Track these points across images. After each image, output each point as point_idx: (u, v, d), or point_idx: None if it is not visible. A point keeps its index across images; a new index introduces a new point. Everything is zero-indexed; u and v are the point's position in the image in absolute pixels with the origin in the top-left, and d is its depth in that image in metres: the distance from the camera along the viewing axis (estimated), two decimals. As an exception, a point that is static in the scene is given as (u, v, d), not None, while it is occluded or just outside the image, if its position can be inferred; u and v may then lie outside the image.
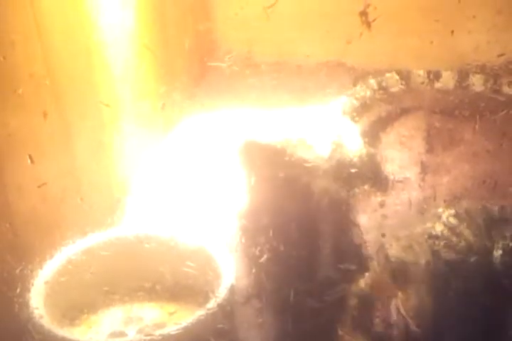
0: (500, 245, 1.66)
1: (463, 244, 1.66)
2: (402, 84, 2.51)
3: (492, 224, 1.70)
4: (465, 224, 1.69)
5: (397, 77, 2.51)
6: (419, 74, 2.53)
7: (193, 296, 1.80)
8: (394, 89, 2.51)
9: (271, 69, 2.78)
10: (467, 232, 1.67)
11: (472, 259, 1.65)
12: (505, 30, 2.53)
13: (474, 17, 2.53)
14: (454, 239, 1.68)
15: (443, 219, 1.70)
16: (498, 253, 1.65)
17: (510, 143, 2.18)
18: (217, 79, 2.68)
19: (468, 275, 1.64)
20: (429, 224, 1.73)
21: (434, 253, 1.67)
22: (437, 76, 2.52)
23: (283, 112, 2.41)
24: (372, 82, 2.50)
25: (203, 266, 1.76)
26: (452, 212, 1.72)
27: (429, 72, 2.52)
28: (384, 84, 2.50)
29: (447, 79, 2.52)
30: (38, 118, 1.78)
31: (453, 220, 1.70)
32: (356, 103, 2.42)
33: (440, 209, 1.74)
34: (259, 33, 2.70)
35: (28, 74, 1.74)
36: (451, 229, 1.68)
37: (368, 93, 2.47)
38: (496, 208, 1.74)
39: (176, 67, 2.56)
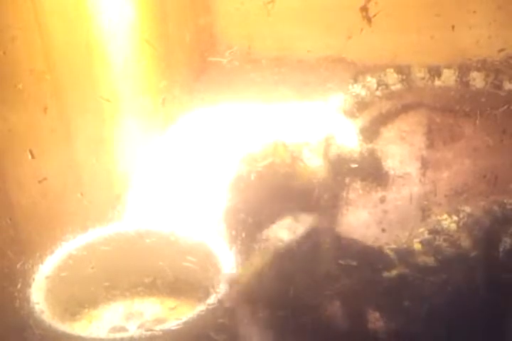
0: (501, 242, 1.66)
1: (464, 241, 1.67)
2: (402, 80, 2.51)
3: (494, 223, 1.71)
4: (466, 232, 1.70)
5: (397, 75, 2.51)
6: (420, 70, 2.53)
7: (194, 291, 1.80)
8: (394, 87, 2.51)
9: (271, 64, 2.78)
10: (468, 242, 1.68)
11: (472, 254, 1.66)
12: (505, 25, 2.53)
13: (475, 12, 2.52)
14: (456, 235, 1.68)
15: (445, 226, 1.71)
16: (499, 250, 1.65)
17: (511, 138, 2.18)
18: (217, 74, 2.68)
19: (468, 269, 1.64)
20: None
21: (435, 248, 1.67)
22: (438, 73, 2.52)
23: (283, 107, 2.41)
24: (373, 78, 2.50)
25: (203, 261, 1.76)
26: (455, 219, 1.72)
27: (429, 70, 2.52)
28: (384, 80, 2.50)
29: (448, 76, 2.52)
30: (39, 114, 1.78)
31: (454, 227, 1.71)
32: (357, 99, 2.42)
33: (444, 216, 1.74)
34: (259, 28, 2.70)
35: (29, 69, 1.74)
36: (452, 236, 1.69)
37: (369, 89, 2.47)
38: (496, 208, 1.74)
39: (176, 62, 2.56)
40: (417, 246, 1.67)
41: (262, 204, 1.79)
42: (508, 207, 1.78)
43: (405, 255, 1.65)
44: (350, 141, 2.06)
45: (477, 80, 2.52)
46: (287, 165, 1.77)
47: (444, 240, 1.68)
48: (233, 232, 1.76)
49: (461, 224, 1.71)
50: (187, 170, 2.23)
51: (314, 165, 1.78)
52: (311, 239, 1.62)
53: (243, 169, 1.78)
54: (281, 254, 1.61)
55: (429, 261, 1.65)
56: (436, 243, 1.68)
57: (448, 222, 1.72)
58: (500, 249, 1.67)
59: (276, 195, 1.79)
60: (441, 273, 1.62)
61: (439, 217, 1.77)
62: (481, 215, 1.74)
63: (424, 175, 2.22)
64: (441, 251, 1.66)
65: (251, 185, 1.82)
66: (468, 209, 1.77)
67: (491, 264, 1.66)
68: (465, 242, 1.67)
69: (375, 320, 1.70)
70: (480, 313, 1.62)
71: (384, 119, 2.46)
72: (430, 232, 1.72)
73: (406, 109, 2.51)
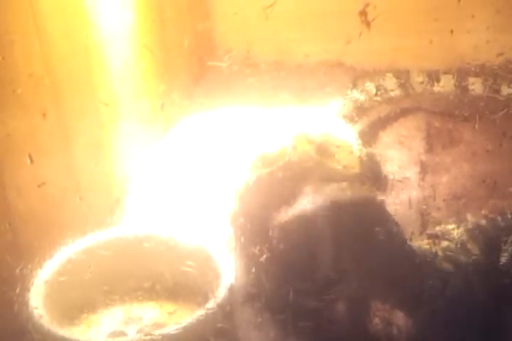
0: (503, 251, 1.66)
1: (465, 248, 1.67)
2: (401, 85, 2.52)
3: (496, 231, 1.71)
4: (472, 241, 1.69)
5: (396, 79, 2.52)
6: (419, 75, 2.53)
7: (193, 296, 1.80)
8: (393, 92, 2.51)
9: (270, 68, 2.78)
10: (475, 247, 1.68)
11: (472, 259, 1.66)
12: (504, 30, 2.53)
13: (473, 16, 2.53)
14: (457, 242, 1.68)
15: (446, 234, 1.71)
16: (502, 257, 1.65)
17: (510, 142, 2.18)
18: (216, 78, 2.68)
19: (468, 274, 1.64)
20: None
21: (435, 252, 1.67)
22: (436, 78, 2.53)
23: (282, 112, 2.41)
24: (372, 83, 2.50)
25: (202, 266, 1.76)
26: (462, 228, 1.72)
27: (428, 74, 2.53)
28: (383, 85, 2.50)
29: (446, 81, 2.52)
30: (37, 118, 1.78)
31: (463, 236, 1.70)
32: (355, 103, 2.42)
33: (450, 226, 1.74)
34: (258, 33, 2.70)
35: (27, 74, 1.74)
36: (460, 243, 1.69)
37: (367, 94, 2.47)
38: (499, 218, 1.75)
39: (175, 67, 2.56)
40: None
41: (260, 209, 1.79)
42: (510, 215, 1.78)
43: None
44: (348, 145, 2.06)
45: (476, 85, 2.53)
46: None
47: (444, 248, 1.68)
48: (232, 236, 1.76)
49: (462, 231, 1.72)
50: (186, 175, 2.23)
51: (314, 168, 1.77)
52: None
53: (256, 172, 1.75)
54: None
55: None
56: (435, 249, 1.68)
57: (450, 230, 1.73)
58: (502, 257, 1.68)
59: (275, 199, 1.79)
60: (441, 278, 1.63)
61: (438, 227, 1.77)
62: (483, 223, 1.74)
63: (423, 179, 2.22)
64: (441, 257, 1.66)
65: (249, 189, 1.82)
66: (469, 217, 1.78)
67: (493, 272, 1.66)
68: (467, 249, 1.67)
69: (375, 323, 1.71)
70: (479, 318, 1.62)
71: (383, 124, 2.46)
72: (430, 237, 1.72)
73: (405, 113, 2.51)
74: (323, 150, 1.76)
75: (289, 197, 1.68)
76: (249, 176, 1.74)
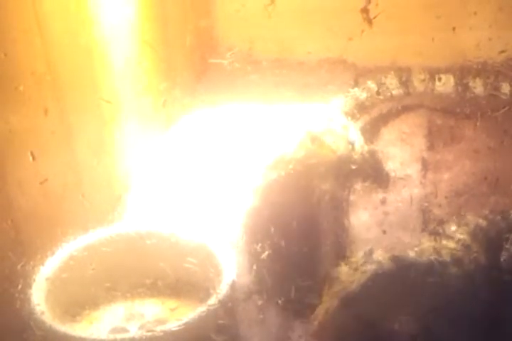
0: (504, 250, 1.67)
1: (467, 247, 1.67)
2: (402, 82, 2.52)
3: (497, 231, 1.71)
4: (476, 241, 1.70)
5: (398, 77, 2.51)
6: (420, 72, 2.53)
7: (194, 292, 1.80)
8: (395, 89, 2.51)
9: (272, 65, 2.78)
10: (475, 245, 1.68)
11: (472, 256, 1.66)
12: (506, 27, 2.53)
13: (476, 14, 2.53)
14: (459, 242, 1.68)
15: (454, 236, 1.71)
16: (503, 255, 1.66)
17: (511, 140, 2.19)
18: (218, 75, 2.68)
19: (469, 272, 1.64)
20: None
21: (435, 250, 1.67)
22: (438, 75, 2.53)
23: (284, 109, 2.41)
24: (373, 80, 2.50)
25: (204, 263, 1.76)
26: (464, 229, 1.72)
27: (430, 71, 2.53)
28: (385, 82, 2.50)
29: (448, 78, 2.52)
30: (39, 115, 1.78)
31: (463, 236, 1.71)
32: (357, 101, 2.42)
33: (453, 228, 1.74)
34: (260, 30, 2.70)
35: (30, 71, 1.74)
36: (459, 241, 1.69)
37: (369, 91, 2.47)
38: (499, 217, 1.75)
39: (177, 64, 2.56)
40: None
41: (263, 206, 1.80)
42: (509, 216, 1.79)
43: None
44: (350, 142, 2.06)
45: (477, 82, 2.53)
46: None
47: (446, 246, 1.68)
48: (234, 233, 1.77)
49: (464, 229, 1.72)
50: (188, 172, 2.24)
51: (317, 166, 1.78)
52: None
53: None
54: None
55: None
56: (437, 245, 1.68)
57: (451, 227, 1.73)
58: (503, 257, 1.68)
59: (278, 197, 1.80)
60: (442, 275, 1.63)
61: (439, 228, 1.77)
62: (484, 221, 1.75)
63: (424, 176, 2.22)
64: (443, 255, 1.66)
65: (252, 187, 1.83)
66: (471, 214, 1.78)
67: (494, 269, 1.67)
68: (468, 247, 1.68)
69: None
70: (480, 313, 1.62)
71: (384, 121, 2.46)
72: (431, 234, 1.73)
73: (406, 110, 2.51)
74: (329, 147, 1.78)
75: (307, 194, 1.71)
76: (268, 176, 1.76)
